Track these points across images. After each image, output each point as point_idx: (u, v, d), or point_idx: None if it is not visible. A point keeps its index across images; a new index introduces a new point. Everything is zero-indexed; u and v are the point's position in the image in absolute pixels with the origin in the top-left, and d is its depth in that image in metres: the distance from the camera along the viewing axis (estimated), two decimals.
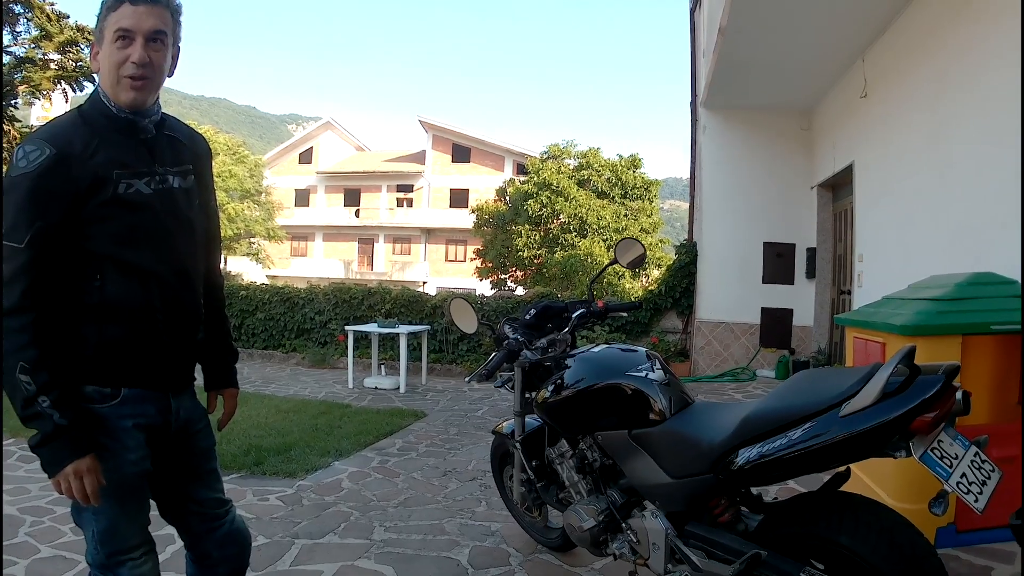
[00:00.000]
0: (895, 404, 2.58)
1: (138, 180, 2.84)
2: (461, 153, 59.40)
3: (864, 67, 11.09)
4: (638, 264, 4.91)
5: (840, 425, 2.70)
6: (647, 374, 3.79)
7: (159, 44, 2.83)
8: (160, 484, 3.12)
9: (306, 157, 64.40)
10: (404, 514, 6.23)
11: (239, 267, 48.04)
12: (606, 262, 20.91)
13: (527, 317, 4.77)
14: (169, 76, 2.97)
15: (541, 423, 4.66)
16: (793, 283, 15.26)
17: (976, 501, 2.59)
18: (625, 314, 5.07)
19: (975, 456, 2.69)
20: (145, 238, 2.86)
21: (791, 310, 15.22)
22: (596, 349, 4.29)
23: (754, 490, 3.55)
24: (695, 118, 17.04)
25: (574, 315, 4.59)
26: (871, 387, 2.63)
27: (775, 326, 15.23)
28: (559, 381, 4.11)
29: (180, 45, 3.00)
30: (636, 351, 4.08)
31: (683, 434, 3.48)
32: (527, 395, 4.50)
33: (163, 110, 2.98)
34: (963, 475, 2.62)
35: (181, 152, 3.09)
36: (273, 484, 7.07)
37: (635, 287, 28.35)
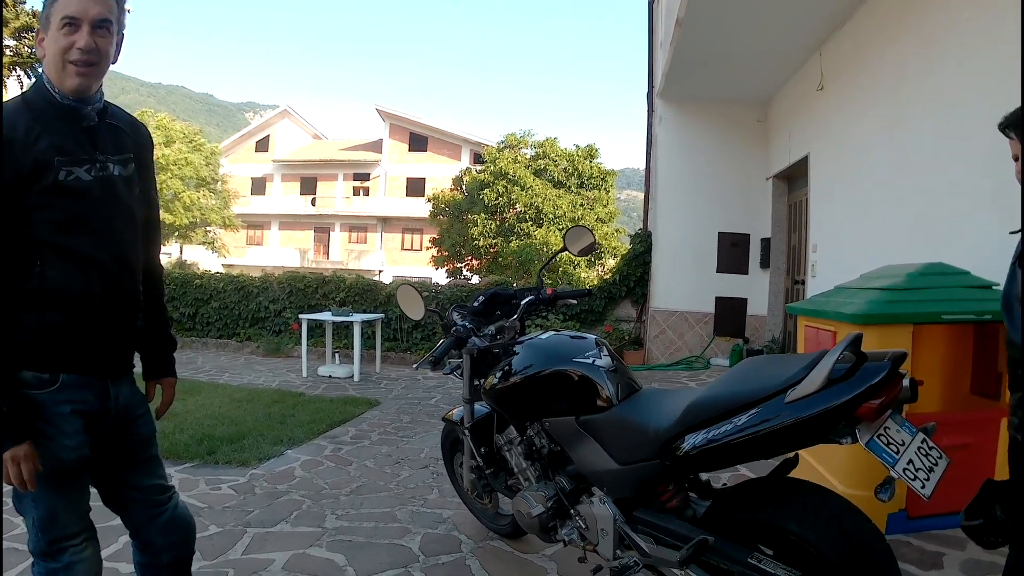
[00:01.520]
0: (841, 390, 2.60)
1: (78, 168, 2.84)
2: (418, 142, 59.29)
3: (821, 60, 11.17)
4: (588, 252, 4.87)
5: (786, 411, 2.72)
6: (594, 360, 3.80)
7: (104, 31, 2.82)
8: (101, 471, 3.12)
9: (263, 145, 64.04)
10: (356, 502, 6.23)
11: (194, 256, 47.88)
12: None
13: (475, 304, 4.76)
14: (113, 63, 2.96)
15: (490, 410, 4.66)
16: (747, 273, 15.40)
17: (923, 488, 2.62)
18: (574, 301, 5.07)
19: (922, 443, 2.71)
20: (85, 225, 2.86)
21: (745, 299, 15.35)
22: (544, 336, 4.29)
23: (703, 476, 3.57)
24: (651, 109, 17.13)
25: (523, 302, 4.56)
26: (817, 373, 2.66)
27: (729, 315, 15.35)
28: (507, 368, 4.12)
29: (124, 32, 3.00)
30: (585, 338, 4.09)
31: (629, 420, 3.49)
32: (476, 382, 4.51)
33: (120, 97, 2.98)
34: (910, 461, 2.64)
35: (123, 140, 3.08)
36: (226, 473, 7.04)
37: (591, 276, 28.52)
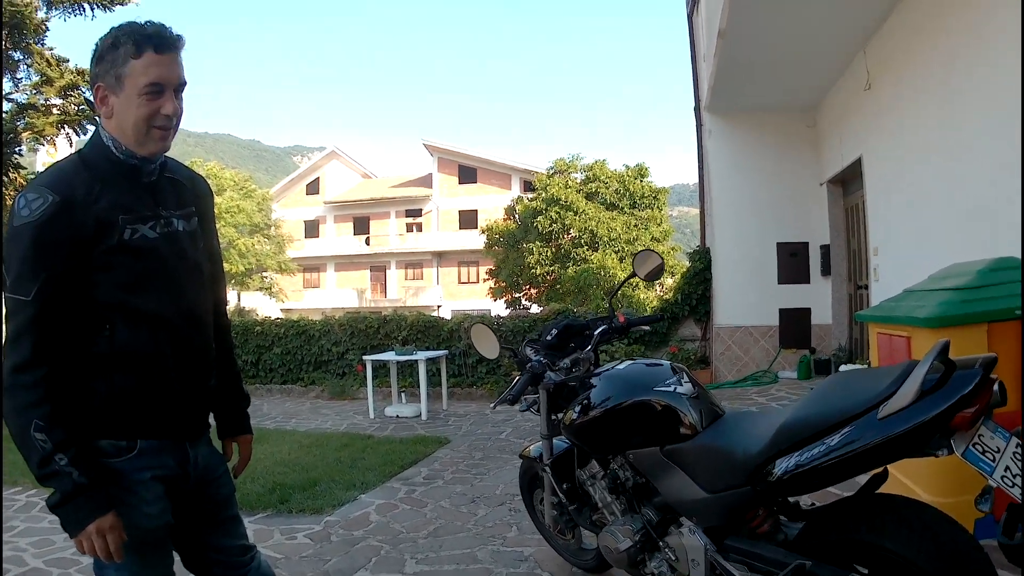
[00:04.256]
0: (934, 402, 2.54)
1: (143, 225, 2.77)
2: (467, 174, 59.70)
3: (866, 59, 11.04)
4: (657, 276, 4.86)
5: (878, 428, 2.66)
6: (675, 388, 3.74)
7: (182, 93, 2.82)
8: (181, 535, 3.02)
9: (313, 188, 64.81)
10: (435, 544, 6.15)
11: (252, 302, 48.26)
12: (619, 273, 20.91)
13: (548, 338, 4.67)
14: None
15: (569, 445, 4.59)
16: (809, 282, 15.23)
17: (1022, 493, 2.52)
18: (647, 328, 5.01)
19: (1017, 447, 2.61)
20: (153, 284, 2.78)
21: (809, 309, 15.18)
22: (621, 366, 4.20)
23: (792, 498, 3.47)
24: (699, 123, 17.02)
25: (596, 332, 4.52)
26: (908, 387, 2.59)
27: (794, 326, 15.18)
28: (586, 401, 4.04)
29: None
30: (661, 365, 4.03)
31: (716, 447, 3.44)
32: (553, 417, 4.42)
33: (169, 150, 2.91)
34: (1007, 468, 2.55)
35: (183, 194, 3.02)
36: (300, 522, 6.99)
37: (650, 296, 28.35)
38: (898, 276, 9.55)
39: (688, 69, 17.81)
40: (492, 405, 4.88)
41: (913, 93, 9.46)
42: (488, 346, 4.66)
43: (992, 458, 2.55)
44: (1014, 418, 2.77)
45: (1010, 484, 2.52)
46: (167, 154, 2.96)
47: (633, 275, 4.89)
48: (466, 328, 15.68)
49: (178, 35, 2.77)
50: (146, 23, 2.71)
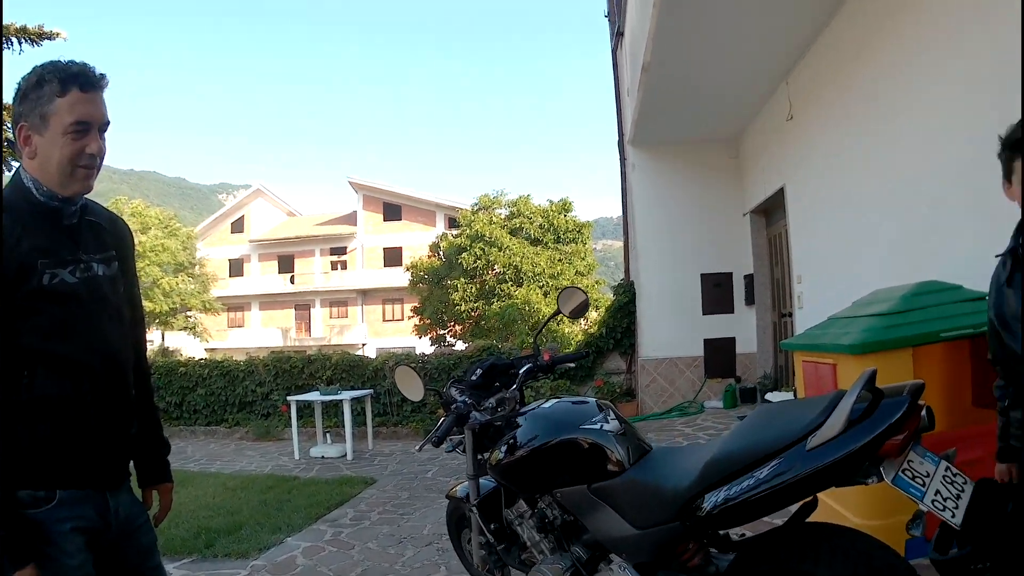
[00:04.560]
0: (862, 431, 2.56)
1: (63, 269, 2.69)
2: (392, 211, 59.87)
3: (789, 90, 11.26)
4: (581, 312, 4.83)
5: (808, 459, 2.66)
6: (602, 426, 3.72)
7: (105, 132, 2.77)
8: None
9: (238, 226, 64.50)
10: None
11: (176, 342, 47.79)
12: (543, 308, 20.92)
13: (473, 378, 4.60)
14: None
15: (496, 484, 4.54)
16: (733, 311, 15.48)
17: (953, 517, 2.58)
18: (572, 364, 5.01)
19: (946, 471, 2.66)
20: (73, 330, 2.70)
21: (733, 338, 15.40)
22: (546, 405, 4.18)
23: (720, 530, 3.46)
24: (623, 157, 17.18)
25: (521, 371, 4.48)
26: (836, 417, 2.60)
27: (719, 356, 15.35)
28: (511, 441, 4.00)
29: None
30: (587, 402, 4.02)
31: (645, 483, 3.42)
32: (479, 457, 4.39)
33: (94, 186, 2.84)
34: (937, 492, 2.60)
35: (104, 237, 2.94)
36: (225, 567, 6.89)
37: (574, 331, 28.43)
38: (822, 303, 9.72)
39: (612, 104, 17.97)
40: (417, 447, 4.78)
41: (835, 124, 9.66)
42: (412, 388, 4.60)
43: (922, 483, 2.58)
44: (942, 439, 2.78)
45: (941, 508, 2.55)
46: (88, 196, 2.90)
47: (558, 312, 4.85)
48: (390, 369, 15.64)
49: (102, 74, 2.75)
50: (70, 62, 2.69)
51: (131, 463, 3.10)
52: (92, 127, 2.68)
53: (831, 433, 2.59)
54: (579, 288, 4.97)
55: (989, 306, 3.31)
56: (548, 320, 5.58)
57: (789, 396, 9.87)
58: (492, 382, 4.59)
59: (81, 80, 2.65)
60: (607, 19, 18.60)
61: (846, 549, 2.76)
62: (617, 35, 16.25)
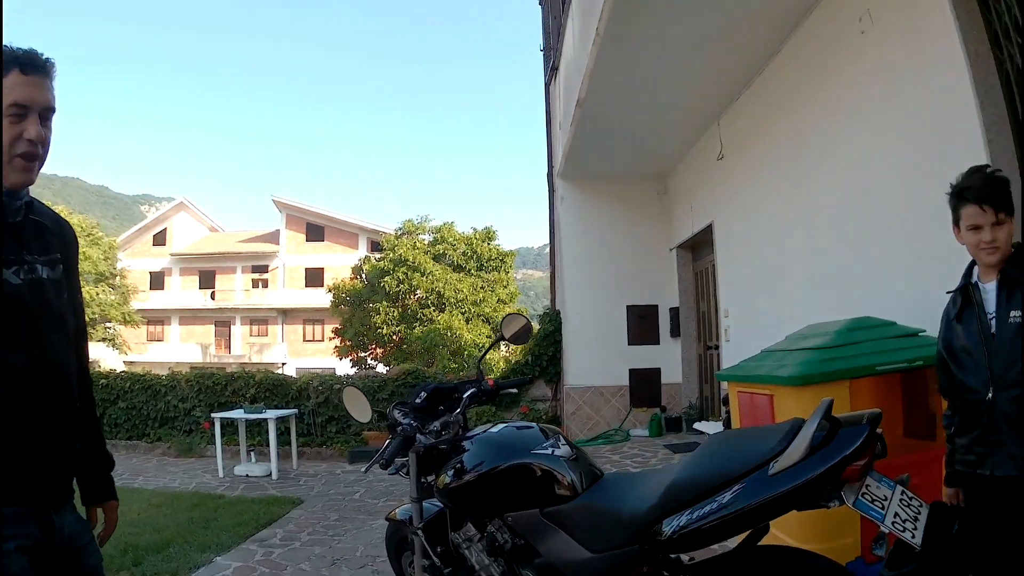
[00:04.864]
0: (824, 457, 2.68)
1: (6, 269, 2.50)
2: (315, 232, 59.38)
3: (720, 130, 11.52)
4: (524, 338, 4.89)
5: (771, 484, 2.77)
6: (553, 451, 3.77)
7: (48, 122, 2.60)
8: None
9: (160, 239, 63.14)
10: None
11: (95, 354, 46.82)
12: (465, 334, 20.93)
13: (417, 401, 4.58)
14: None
15: (440, 508, 4.54)
16: (659, 343, 15.67)
17: (913, 538, 2.72)
18: (515, 390, 5.08)
19: (902, 495, 2.82)
20: (16, 335, 2.51)
21: (659, 369, 15.57)
22: (495, 430, 4.21)
23: (673, 555, 3.50)
24: (552, 188, 17.37)
25: (465, 395, 4.50)
26: (798, 443, 2.72)
27: (644, 386, 15.51)
28: (459, 465, 4.03)
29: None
30: (531, 427, 4.09)
31: (601, 507, 3.46)
32: (423, 480, 4.38)
33: None
34: (896, 515, 2.74)
35: (49, 240, 2.74)
36: None
37: (496, 358, 28.48)
38: (749, 337, 9.95)
39: (542, 136, 18.06)
40: (363, 469, 4.66)
41: (765, 166, 9.92)
42: (359, 409, 4.61)
43: (881, 506, 2.72)
44: (889, 466, 2.99)
45: (901, 529, 2.70)
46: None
47: (501, 338, 4.91)
48: (337, 390, 15.54)
49: (48, 59, 2.62)
50: (16, 48, 2.56)
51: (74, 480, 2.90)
52: (31, 111, 2.52)
53: (794, 459, 2.71)
54: (521, 314, 5.02)
55: (939, 339, 3.57)
56: (492, 346, 5.62)
57: (718, 425, 10.03)
58: (436, 406, 4.59)
59: (23, 62, 2.53)
60: (542, 53, 18.80)
61: (803, 570, 2.91)
62: (552, 69, 16.37)
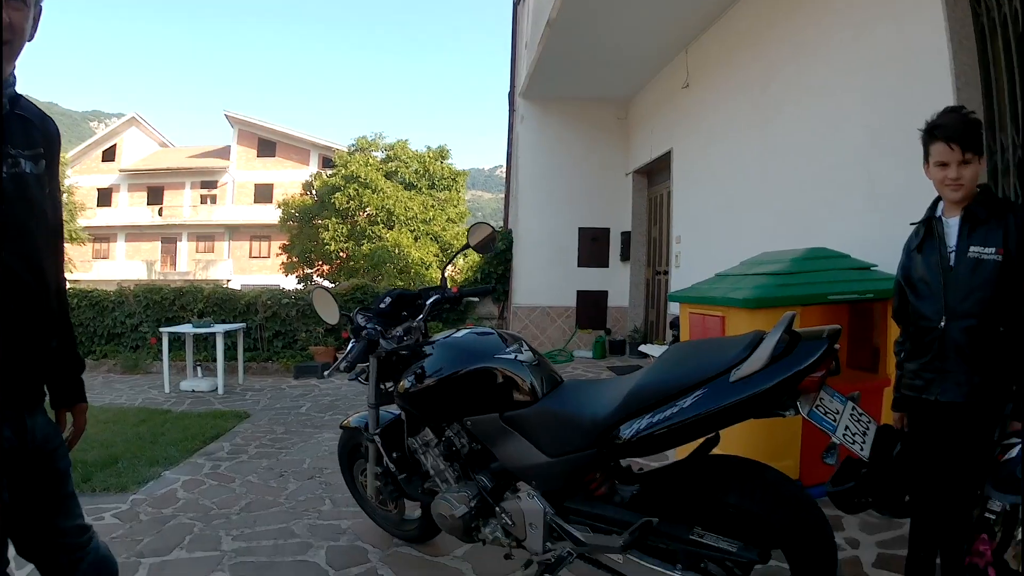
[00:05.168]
0: (785, 366, 2.76)
1: None
2: (266, 147, 58.32)
3: (688, 59, 11.56)
4: (489, 247, 4.82)
5: (732, 390, 2.84)
6: (516, 356, 3.81)
7: (20, 3, 2.41)
8: (16, 516, 2.62)
9: (109, 155, 61.36)
10: (249, 520, 5.96)
11: None
12: (413, 252, 20.86)
13: (382, 306, 4.61)
14: (29, 40, 2.56)
15: (397, 414, 4.58)
16: (608, 266, 15.88)
17: (862, 450, 2.84)
18: (477, 299, 5.09)
19: (853, 410, 2.94)
20: None
21: (606, 292, 15.82)
22: (459, 335, 4.23)
23: (624, 462, 3.62)
24: (513, 108, 17.39)
25: (428, 302, 4.50)
26: (760, 353, 2.81)
27: (591, 308, 15.74)
28: (420, 369, 4.02)
29: (42, 5, 2.61)
30: (492, 333, 4.11)
31: (561, 412, 3.51)
32: (382, 386, 4.43)
33: None
34: (847, 428, 2.85)
35: (32, 134, 2.62)
36: (105, 501, 6.58)
37: (448, 275, 28.45)
38: (699, 264, 10.15)
39: (503, 61, 17.98)
40: (325, 373, 4.55)
41: (730, 96, 10.01)
42: (329, 311, 4.57)
43: (833, 419, 2.83)
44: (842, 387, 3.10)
45: (851, 442, 2.82)
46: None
47: (467, 246, 4.84)
48: (285, 304, 15.43)
49: None
50: None
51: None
52: None
53: (755, 367, 2.79)
54: (487, 223, 4.94)
55: (899, 267, 3.71)
56: (457, 253, 5.53)
57: (663, 348, 10.18)
58: (399, 312, 4.59)
59: None
60: None
61: (755, 480, 3.01)
62: None
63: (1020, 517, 2.20)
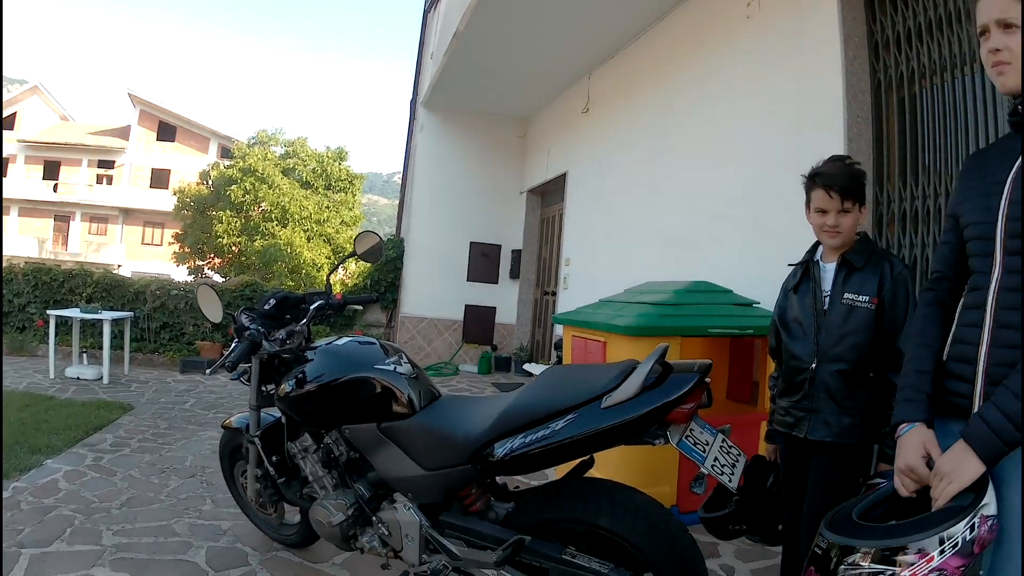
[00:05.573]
0: (655, 396, 2.82)
1: None
2: (167, 131, 56.99)
3: (590, 84, 11.71)
4: (376, 256, 4.88)
5: (603, 416, 2.89)
6: (395, 367, 3.84)
7: None
8: None
9: (9, 123, 59.33)
10: (130, 516, 5.86)
11: None
12: (305, 252, 20.72)
13: (266, 307, 4.57)
14: None
15: (278, 417, 4.57)
16: (497, 282, 15.95)
17: (730, 481, 2.92)
18: (360, 307, 5.07)
19: (723, 442, 3.02)
20: None
21: (494, 308, 15.87)
22: (340, 342, 4.23)
23: (500, 480, 3.68)
24: (413, 116, 17.34)
25: (312, 307, 4.48)
26: (632, 381, 2.86)
27: (478, 323, 15.77)
28: (301, 374, 4.05)
29: None
30: (374, 343, 4.12)
31: (436, 427, 3.54)
32: (263, 388, 4.44)
33: None
34: (716, 459, 2.93)
35: None
36: None
37: (334, 280, 28.25)
38: (587, 287, 10.27)
39: (408, 65, 18.03)
40: (207, 371, 4.51)
41: (628, 126, 10.16)
42: (212, 309, 4.57)
43: (703, 449, 2.92)
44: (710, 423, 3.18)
45: (719, 472, 2.90)
46: None
47: (354, 254, 4.89)
48: (175, 295, 15.11)
49: None
50: None
51: None
52: None
53: (626, 395, 2.84)
54: (375, 232, 5.00)
55: (776, 306, 3.82)
56: (343, 260, 5.61)
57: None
58: (283, 314, 4.58)
59: None
60: None
61: (626, 504, 3.05)
62: None
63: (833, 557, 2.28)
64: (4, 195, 56.69)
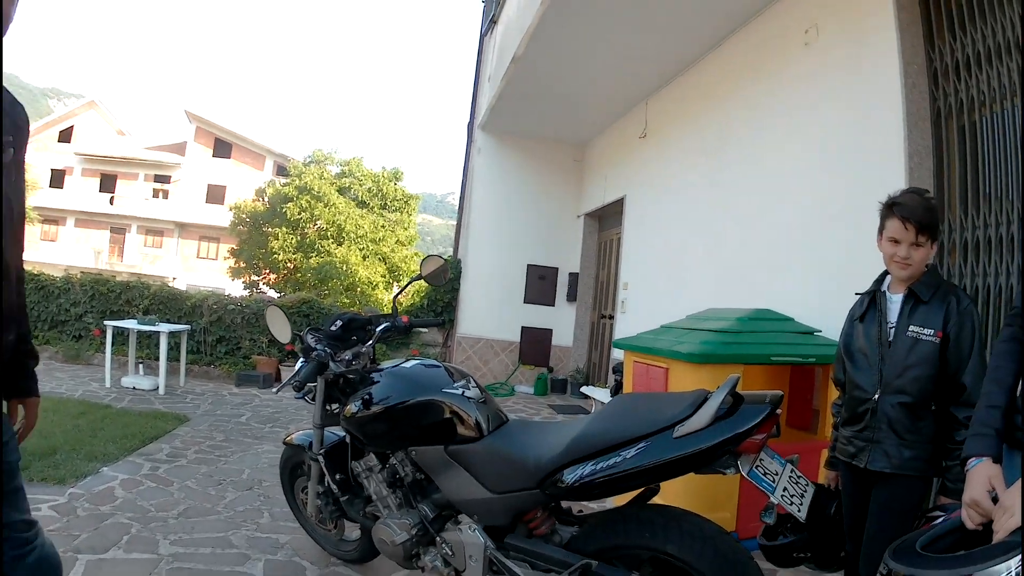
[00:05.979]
0: (727, 426, 2.86)
1: None
2: (223, 148, 57.52)
3: (647, 109, 11.74)
4: (440, 278, 4.96)
5: (675, 445, 2.92)
6: (464, 391, 3.86)
7: None
8: None
9: (66, 135, 59.58)
10: (187, 526, 5.90)
11: None
12: (360, 270, 20.74)
13: (332, 328, 4.64)
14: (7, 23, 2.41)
15: (341, 436, 4.62)
16: (554, 305, 15.97)
17: (799, 511, 2.97)
18: (425, 330, 5.11)
19: (792, 472, 3.06)
20: None
21: (551, 330, 15.89)
22: (407, 365, 4.25)
23: (564, 504, 3.69)
24: (471, 138, 17.47)
25: (378, 328, 4.54)
26: (705, 411, 2.89)
27: (534, 345, 15.81)
28: (368, 396, 4.07)
29: None
30: (439, 366, 4.14)
31: (505, 451, 3.56)
32: (328, 407, 4.47)
33: None
34: (785, 489, 2.98)
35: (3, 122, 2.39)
36: (42, 492, 6.45)
37: (388, 299, 28.37)
38: (644, 312, 10.34)
39: (466, 88, 18.11)
40: (275, 390, 4.49)
41: (685, 151, 10.17)
42: (281, 329, 4.66)
43: (772, 480, 2.96)
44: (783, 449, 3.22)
45: (788, 502, 2.95)
46: None
47: (419, 276, 4.97)
48: (231, 310, 15.17)
49: None
50: None
51: None
52: None
53: (699, 424, 2.87)
54: (440, 256, 5.06)
55: (841, 335, 3.84)
56: (409, 283, 5.57)
57: (606, 392, 10.19)
58: (349, 335, 4.63)
59: None
60: (483, 3, 18.65)
61: (693, 531, 3.05)
62: (491, 22, 16.32)
63: None
64: (61, 206, 57.19)
